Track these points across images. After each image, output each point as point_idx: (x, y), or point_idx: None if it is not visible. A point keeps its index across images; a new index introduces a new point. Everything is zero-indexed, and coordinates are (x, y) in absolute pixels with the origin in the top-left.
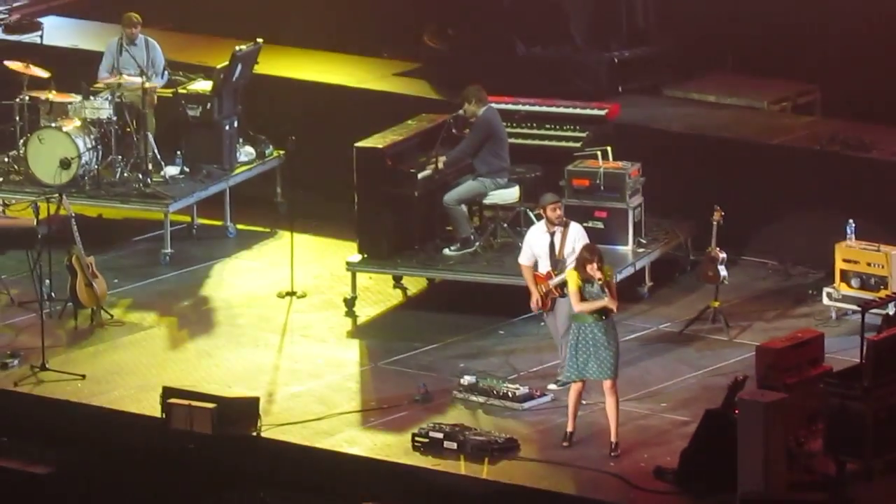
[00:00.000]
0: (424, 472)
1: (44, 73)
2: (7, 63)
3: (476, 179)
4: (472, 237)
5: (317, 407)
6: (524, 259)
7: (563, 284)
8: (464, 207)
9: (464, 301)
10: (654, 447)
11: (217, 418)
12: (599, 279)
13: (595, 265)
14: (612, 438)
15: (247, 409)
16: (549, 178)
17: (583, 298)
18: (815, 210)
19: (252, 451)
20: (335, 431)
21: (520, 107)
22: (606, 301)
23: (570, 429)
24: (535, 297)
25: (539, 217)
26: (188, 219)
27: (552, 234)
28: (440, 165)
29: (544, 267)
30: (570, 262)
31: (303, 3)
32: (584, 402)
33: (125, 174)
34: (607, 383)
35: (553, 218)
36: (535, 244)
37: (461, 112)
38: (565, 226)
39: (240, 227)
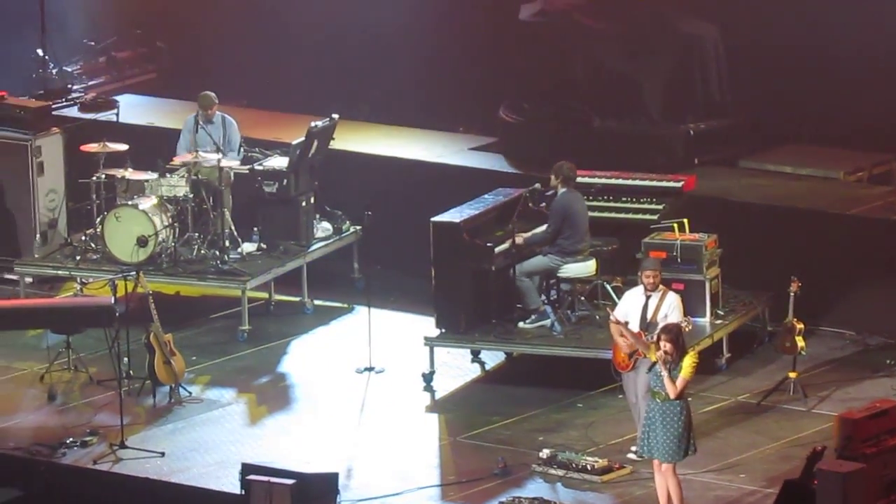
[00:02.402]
0: None
1: (122, 146)
2: (83, 148)
3: (546, 255)
4: (544, 306)
5: (396, 482)
6: (616, 314)
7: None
8: (531, 280)
9: (542, 374)
10: None
11: (296, 494)
12: (660, 358)
13: (665, 345)
14: None
15: (326, 485)
16: (625, 251)
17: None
18: (892, 279)
19: None
20: None
21: (596, 180)
22: (668, 386)
23: None
24: (623, 346)
25: (616, 290)
26: (266, 295)
27: (648, 298)
28: (517, 240)
29: (634, 329)
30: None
31: (378, 79)
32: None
33: (202, 251)
34: (663, 466)
35: (646, 284)
36: (628, 303)
37: (536, 187)
38: (664, 293)
39: (317, 303)
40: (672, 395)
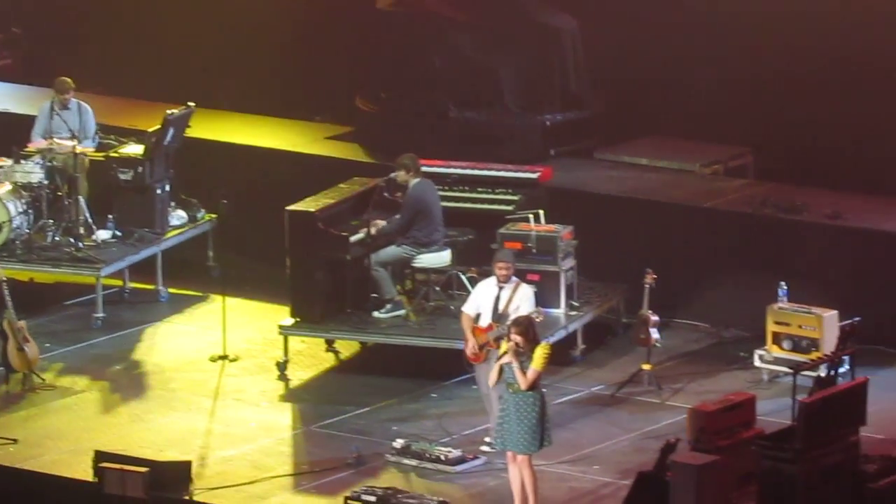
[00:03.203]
0: None
1: None
2: None
3: (399, 246)
4: (399, 296)
5: (249, 471)
6: (467, 308)
7: (500, 339)
8: (386, 270)
9: (396, 364)
10: None
11: (150, 482)
12: (511, 350)
13: (515, 337)
14: None
15: (179, 473)
16: (481, 241)
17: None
18: (747, 273)
19: None
20: (268, 495)
21: (452, 170)
22: (519, 378)
23: None
24: (472, 345)
25: (472, 280)
26: (120, 283)
27: (501, 289)
28: (372, 230)
29: (486, 320)
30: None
31: (235, 68)
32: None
33: (57, 238)
34: (518, 457)
35: (499, 275)
36: (481, 294)
37: (393, 176)
38: (517, 285)
39: (172, 291)
40: (524, 387)
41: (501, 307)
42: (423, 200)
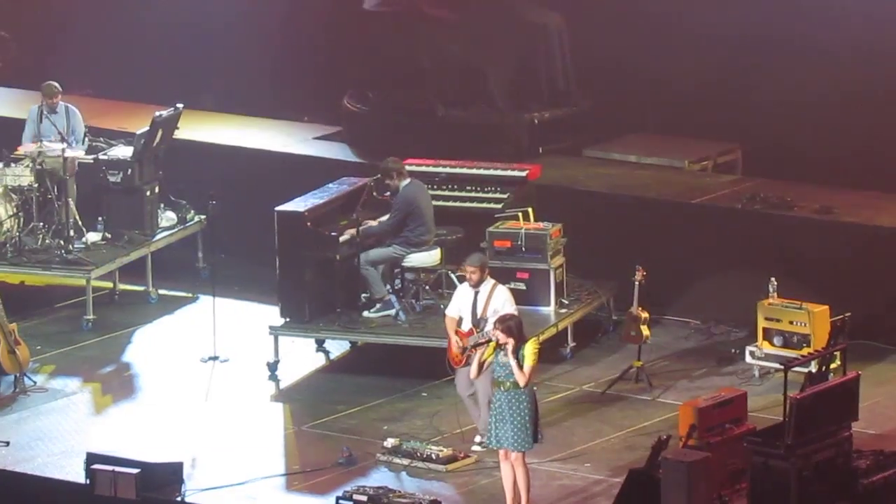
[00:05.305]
0: None
1: None
2: None
3: (389, 246)
4: (389, 296)
5: (241, 471)
6: (450, 311)
7: (479, 345)
8: (376, 269)
9: (386, 363)
10: None
11: (141, 483)
12: (503, 345)
13: (499, 334)
14: None
15: (171, 474)
16: (470, 240)
17: (480, 366)
18: (737, 269)
19: None
20: (259, 496)
21: (440, 169)
22: (516, 374)
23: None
24: (455, 344)
25: (461, 279)
26: (110, 285)
27: (476, 293)
28: (361, 229)
29: (466, 325)
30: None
31: (223, 68)
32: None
33: (47, 241)
34: (512, 455)
35: (467, 279)
36: (460, 297)
37: (383, 179)
38: (493, 287)
39: (162, 292)
40: (522, 384)
41: (479, 311)
42: (415, 202)
